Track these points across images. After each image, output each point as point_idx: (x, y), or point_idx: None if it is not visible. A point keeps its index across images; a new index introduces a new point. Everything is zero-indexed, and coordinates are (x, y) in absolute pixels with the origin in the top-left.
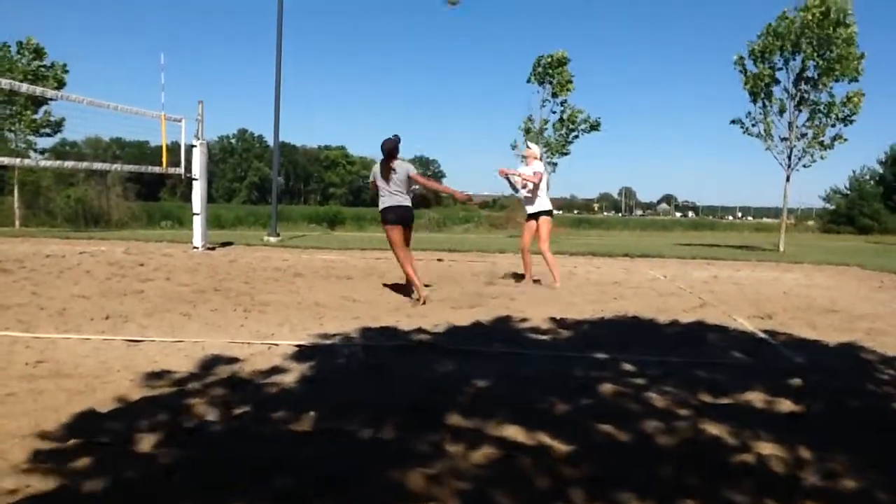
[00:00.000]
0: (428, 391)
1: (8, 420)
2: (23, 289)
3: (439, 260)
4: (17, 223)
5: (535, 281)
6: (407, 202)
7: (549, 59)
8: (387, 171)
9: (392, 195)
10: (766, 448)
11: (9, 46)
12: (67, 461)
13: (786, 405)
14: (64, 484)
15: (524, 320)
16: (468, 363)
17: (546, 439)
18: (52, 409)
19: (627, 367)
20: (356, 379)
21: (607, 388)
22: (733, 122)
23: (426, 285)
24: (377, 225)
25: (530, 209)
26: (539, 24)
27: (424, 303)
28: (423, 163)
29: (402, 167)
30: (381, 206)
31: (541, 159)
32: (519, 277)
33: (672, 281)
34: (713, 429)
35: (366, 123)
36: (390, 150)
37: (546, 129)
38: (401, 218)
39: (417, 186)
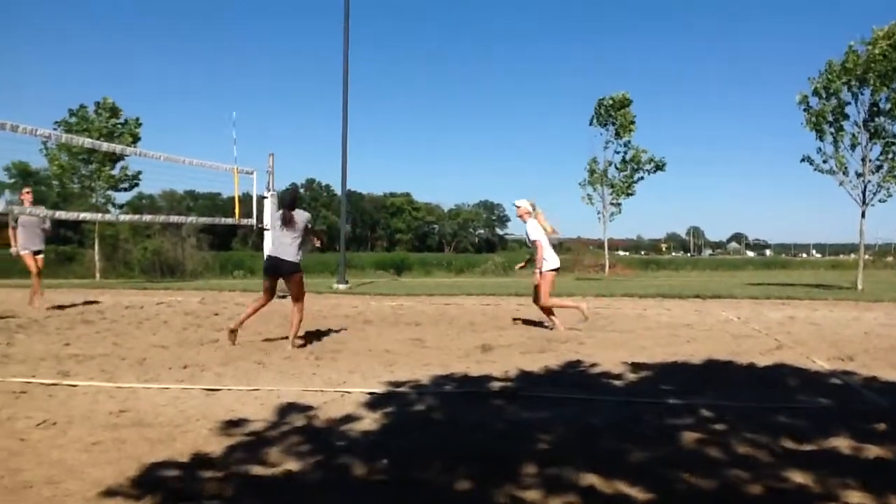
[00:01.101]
0: (500, 439)
1: (94, 468)
2: (105, 339)
3: (490, 304)
4: (97, 275)
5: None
6: (286, 254)
7: (611, 101)
8: (288, 219)
9: (277, 245)
10: (855, 496)
11: (86, 107)
12: None
13: (872, 451)
14: None
15: (595, 365)
16: (540, 409)
17: (625, 488)
18: (134, 458)
19: (704, 412)
20: (428, 427)
21: (685, 434)
22: (803, 160)
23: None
24: (444, 270)
25: (536, 269)
26: (601, 64)
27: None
28: (487, 207)
29: (300, 217)
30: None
31: (534, 209)
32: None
33: (746, 322)
34: (798, 477)
35: (430, 170)
36: (291, 200)
37: (609, 169)
38: (272, 268)
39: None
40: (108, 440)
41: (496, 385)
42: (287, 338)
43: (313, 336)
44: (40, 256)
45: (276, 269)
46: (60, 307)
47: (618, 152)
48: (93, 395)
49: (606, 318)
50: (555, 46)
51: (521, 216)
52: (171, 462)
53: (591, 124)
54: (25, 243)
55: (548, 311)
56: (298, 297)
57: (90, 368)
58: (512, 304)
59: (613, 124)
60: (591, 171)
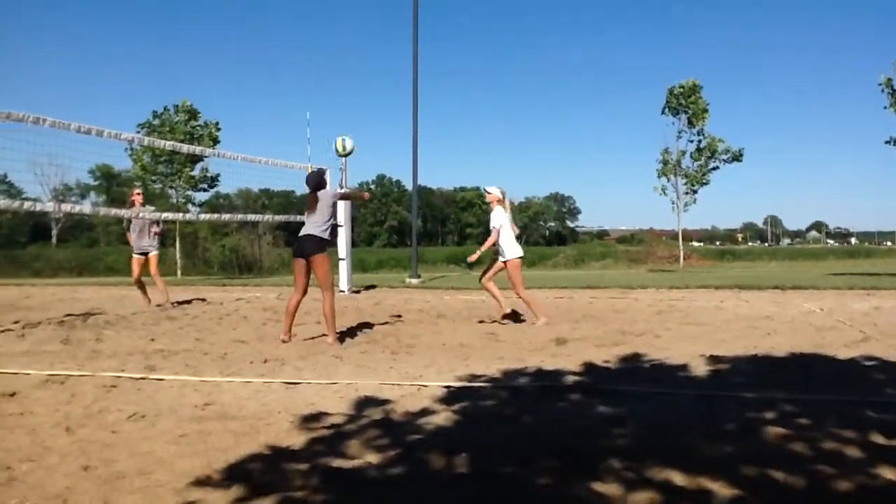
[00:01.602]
0: (578, 433)
1: (182, 460)
2: (188, 335)
3: (564, 297)
4: (178, 273)
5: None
6: (310, 235)
7: (682, 89)
8: (311, 202)
9: (305, 226)
10: None
11: (168, 110)
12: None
13: None
14: None
15: (671, 358)
16: (616, 404)
17: (708, 483)
18: (220, 450)
19: (787, 406)
20: (505, 421)
21: (767, 429)
22: (888, 142)
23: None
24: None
25: (500, 258)
26: (672, 53)
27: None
28: (557, 199)
29: (324, 195)
30: None
31: (503, 199)
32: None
33: (829, 314)
34: (889, 473)
35: (500, 163)
36: (316, 183)
37: (683, 159)
38: (297, 250)
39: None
40: (195, 432)
41: (571, 379)
42: (326, 334)
43: (388, 331)
44: (153, 255)
45: (301, 251)
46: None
47: (691, 141)
48: (179, 389)
49: (682, 310)
50: (626, 34)
51: (490, 202)
52: (255, 454)
53: (662, 113)
54: (136, 245)
55: (526, 301)
56: (326, 285)
57: (175, 363)
58: (585, 297)
59: (686, 112)
60: (664, 162)
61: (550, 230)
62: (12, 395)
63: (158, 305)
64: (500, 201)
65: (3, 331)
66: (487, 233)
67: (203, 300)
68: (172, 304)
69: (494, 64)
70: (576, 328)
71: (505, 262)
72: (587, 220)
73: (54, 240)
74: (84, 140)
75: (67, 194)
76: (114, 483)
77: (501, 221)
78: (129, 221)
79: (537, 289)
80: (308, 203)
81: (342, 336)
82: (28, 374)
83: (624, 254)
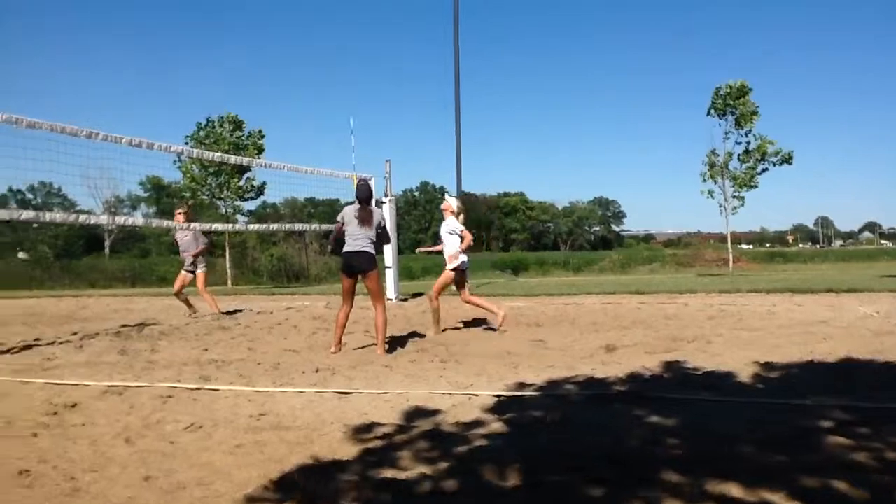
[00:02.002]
0: (631, 443)
1: (239, 470)
2: (240, 345)
3: (611, 303)
4: (229, 282)
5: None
6: (363, 251)
7: (729, 90)
8: (365, 216)
9: (356, 240)
10: None
11: (212, 121)
12: None
13: None
14: None
15: (724, 365)
16: (669, 412)
17: (768, 495)
18: (276, 461)
19: (846, 414)
20: (556, 430)
21: (827, 438)
22: None
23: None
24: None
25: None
26: (718, 54)
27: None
28: (602, 203)
29: (375, 211)
30: (344, 250)
31: (459, 212)
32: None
33: (887, 318)
34: None
35: (543, 168)
36: (368, 195)
37: (730, 161)
38: (351, 265)
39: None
40: (251, 443)
41: (622, 387)
42: (376, 344)
43: (437, 339)
44: (200, 272)
45: (354, 267)
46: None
47: (738, 143)
48: (233, 399)
49: (733, 315)
50: (669, 36)
51: (444, 209)
52: (309, 465)
53: (708, 114)
54: (184, 261)
55: (476, 305)
56: (379, 298)
57: (229, 373)
58: (633, 303)
59: (733, 114)
60: (711, 164)
61: (595, 235)
62: (74, 406)
63: (193, 315)
64: (454, 213)
65: (62, 342)
66: (532, 238)
67: (250, 310)
68: (222, 313)
69: (536, 68)
70: (625, 335)
71: (450, 269)
72: (632, 224)
73: (107, 251)
74: (135, 153)
75: (119, 206)
76: (174, 493)
77: (460, 228)
78: (177, 243)
79: (585, 294)
80: (361, 217)
81: (391, 345)
82: (88, 385)
83: (671, 258)
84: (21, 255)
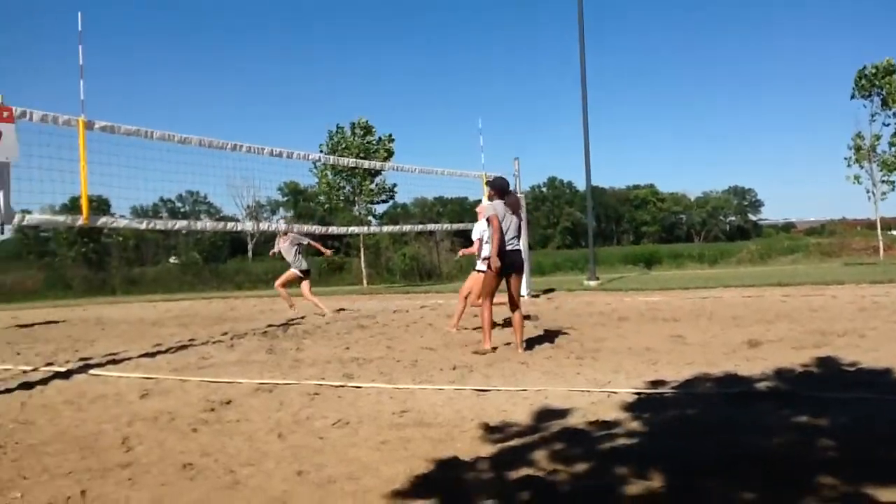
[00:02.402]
0: (781, 444)
1: (386, 466)
2: (379, 343)
3: (752, 296)
4: (364, 282)
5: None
6: (518, 244)
7: (874, 70)
8: (514, 210)
9: (511, 238)
10: None
11: (343, 128)
12: None
13: None
14: None
15: (880, 360)
16: (821, 412)
17: None
18: (420, 457)
19: None
20: (701, 430)
21: None
22: None
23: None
24: (696, 261)
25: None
26: (862, 32)
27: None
28: (738, 192)
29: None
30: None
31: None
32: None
33: None
34: None
35: (673, 159)
36: (506, 187)
37: (878, 144)
38: (512, 264)
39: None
40: (395, 439)
41: (768, 384)
42: (512, 343)
43: (571, 335)
44: (293, 271)
45: (512, 266)
46: (341, 310)
47: (886, 124)
48: (376, 396)
49: (888, 307)
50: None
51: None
52: (452, 461)
53: (852, 98)
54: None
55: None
56: (518, 295)
57: (370, 371)
58: (776, 295)
59: (879, 94)
60: (857, 148)
61: (731, 225)
62: (228, 402)
63: (292, 307)
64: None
65: (215, 341)
66: (664, 230)
67: (386, 309)
68: (335, 311)
69: (664, 57)
70: (769, 329)
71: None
72: (770, 213)
73: (250, 254)
74: (275, 162)
75: (259, 211)
76: (326, 488)
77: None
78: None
79: (722, 287)
80: (511, 213)
81: (528, 342)
82: (241, 382)
83: (814, 247)
84: (173, 259)
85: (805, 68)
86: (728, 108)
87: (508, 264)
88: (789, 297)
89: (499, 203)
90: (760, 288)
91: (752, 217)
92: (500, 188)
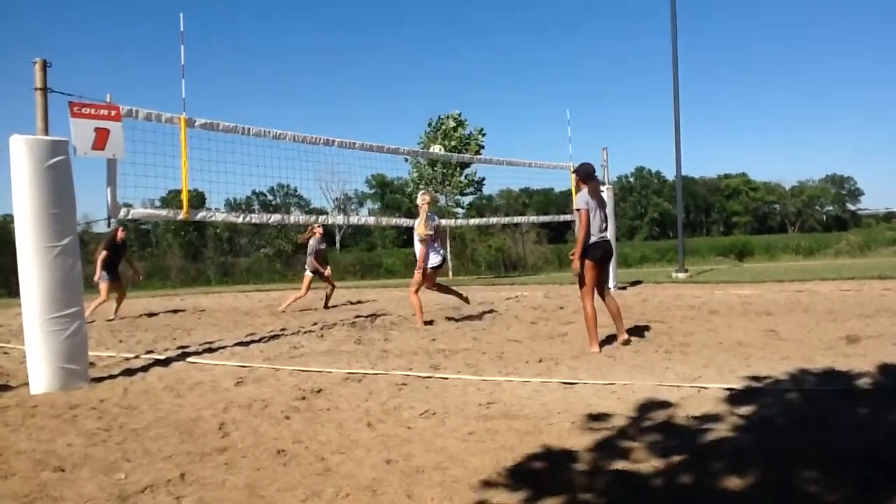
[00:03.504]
0: (885, 442)
1: (473, 457)
2: (465, 334)
3: (850, 290)
4: (450, 273)
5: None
6: (609, 234)
7: None
8: (601, 196)
9: (600, 224)
10: None
11: (443, 118)
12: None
13: None
14: None
15: None
16: None
17: None
18: (507, 449)
19: None
20: (798, 427)
21: None
22: None
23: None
24: (790, 253)
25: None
26: None
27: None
28: (835, 181)
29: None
30: (593, 240)
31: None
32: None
33: None
34: None
35: (766, 146)
36: (591, 172)
37: None
38: (606, 254)
39: None
40: (482, 430)
41: (868, 381)
42: (617, 335)
43: (659, 328)
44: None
45: (607, 254)
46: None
47: None
48: (462, 388)
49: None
50: None
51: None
52: (539, 454)
53: None
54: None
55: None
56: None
57: (456, 362)
58: (876, 289)
59: None
60: None
61: (828, 215)
62: (319, 391)
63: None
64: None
65: (305, 331)
66: (756, 221)
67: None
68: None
69: (756, 43)
70: (868, 324)
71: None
72: (871, 202)
73: (338, 245)
74: (365, 156)
75: (347, 203)
76: (414, 477)
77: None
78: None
79: (818, 280)
80: (599, 201)
81: (611, 336)
82: (331, 372)
83: None
84: (264, 250)
85: None
86: (826, 93)
87: (603, 254)
88: (890, 291)
89: (587, 197)
90: (859, 281)
91: (850, 206)
92: (584, 173)
